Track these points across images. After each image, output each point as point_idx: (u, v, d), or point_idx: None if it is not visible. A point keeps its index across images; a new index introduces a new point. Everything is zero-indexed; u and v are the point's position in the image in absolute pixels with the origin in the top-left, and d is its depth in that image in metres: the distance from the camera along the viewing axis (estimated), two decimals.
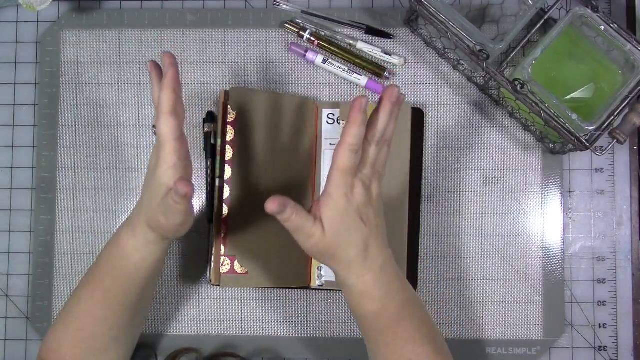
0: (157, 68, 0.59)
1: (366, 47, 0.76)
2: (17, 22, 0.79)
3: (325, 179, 0.73)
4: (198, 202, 0.75)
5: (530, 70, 0.65)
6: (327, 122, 0.75)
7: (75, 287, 0.64)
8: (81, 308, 0.62)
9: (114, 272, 0.61)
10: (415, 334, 0.59)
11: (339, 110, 0.74)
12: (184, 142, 0.58)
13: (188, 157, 0.59)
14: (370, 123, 0.57)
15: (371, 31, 0.76)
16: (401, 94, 0.59)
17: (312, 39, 0.76)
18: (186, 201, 0.55)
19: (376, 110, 0.58)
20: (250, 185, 0.71)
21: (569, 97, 0.69)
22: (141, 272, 0.61)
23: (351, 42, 0.76)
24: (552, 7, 0.71)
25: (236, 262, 0.70)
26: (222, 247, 0.70)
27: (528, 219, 0.75)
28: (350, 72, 0.76)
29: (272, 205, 0.54)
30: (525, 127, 0.75)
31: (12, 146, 0.78)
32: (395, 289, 0.59)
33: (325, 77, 0.77)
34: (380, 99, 0.58)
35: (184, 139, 0.58)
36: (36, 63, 0.78)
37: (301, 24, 0.77)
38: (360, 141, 0.56)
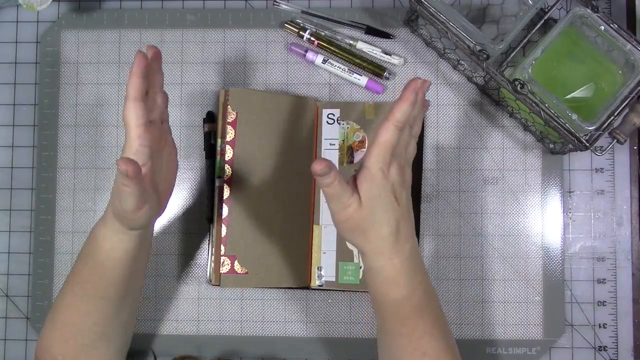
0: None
1: (366, 47, 0.76)
2: (17, 22, 0.79)
3: None
4: (198, 201, 0.75)
5: (530, 70, 0.65)
6: (327, 122, 0.75)
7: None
8: (64, 302, 0.63)
9: (89, 263, 0.61)
10: (433, 328, 0.59)
11: (339, 110, 0.74)
12: (152, 130, 0.58)
13: (158, 144, 0.60)
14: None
15: (371, 31, 0.76)
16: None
17: (312, 39, 0.76)
18: (131, 182, 0.52)
19: (405, 94, 0.57)
20: (250, 185, 0.71)
21: (569, 96, 0.69)
22: (113, 262, 0.60)
23: (351, 42, 0.76)
24: (552, 7, 0.71)
25: (236, 262, 0.70)
26: (222, 247, 0.70)
27: (528, 219, 0.75)
28: (350, 72, 0.76)
29: (318, 165, 0.53)
30: (525, 127, 0.75)
31: (12, 146, 0.78)
32: (419, 279, 0.60)
33: (325, 77, 0.77)
34: (410, 86, 0.57)
35: (154, 127, 0.59)
36: (36, 63, 0.78)
37: (301, 24, 0.77)
38: (406, 120, 0.56)
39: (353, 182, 0.57)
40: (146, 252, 0.65)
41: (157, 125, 0.60)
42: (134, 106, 0.56)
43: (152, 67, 0.59)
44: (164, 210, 0.62)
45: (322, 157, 0.54)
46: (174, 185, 0.64)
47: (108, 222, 0.59)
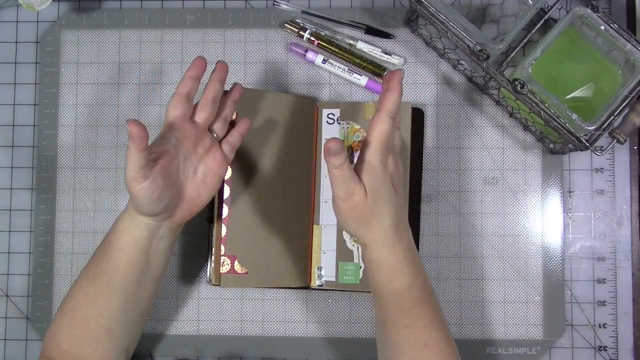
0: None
1: (366, 47, 0.76)
2: (17, 22, 0.79)
3: (325, 179, 0.74)
4: None
5: (530, 70, 0.65)
6: (327, 122, 0.75)
7: None
8: (77, 286, 0.63)
9: (104, 246, 0.62)
10: (433, 318, 0.60)
11: (338, 110, 0.74)
12: (188, 127, 0.61)
13: (190, 144, 0.61)
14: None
15: (371, 31, 0.76)
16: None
17: (312, 39, 0.76)
18: (133, 144, 0.53)
19: (393, 85, 0.58)
20: (251, 185, 0.71)
21: (569, 96, 0.69)
22: (120, 245, 0.60)
23: (351, 42, 0.76)
24: (552, 7, 0.71)
25: (236, 262, 0.70)
26: (222, 247, 0.70)
27: (528, 219, 0.75)
28: (350, 72, 0.76)
29: (333, 143, 0.54)
30: (525, 127, 0.75)
31: (12, 146, 0.78)
32: (418, 268, 0.60)
33: (325, 77, 0.77)
34: (394, 76, 0.59)
35: (192, 126, 0.61)
36: (36, 63, 0.78)
37: (301, 24, 0.77)
38: (396, 111, 0.57)
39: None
40: (160, 260, 0.63)
41: (196, 127, 0.62)
42: (176, 100, 0.60)
43: (217, 79, 0.64)
44: (181, 220, 0.62)
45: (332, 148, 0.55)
46: (204, 201, 0.63)
47: (128, 207, 0.60)
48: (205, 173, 0.62)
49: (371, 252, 0.59)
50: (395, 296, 0.59)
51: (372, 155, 0.56)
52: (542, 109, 0.64)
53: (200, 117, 0.62)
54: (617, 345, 0.74)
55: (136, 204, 0.58)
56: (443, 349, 0.60)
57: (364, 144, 0.57)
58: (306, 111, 0.74)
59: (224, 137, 0.65)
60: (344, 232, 0.73)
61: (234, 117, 0.71)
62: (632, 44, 0.65)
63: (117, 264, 0.61)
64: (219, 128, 0.64)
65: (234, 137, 0.66)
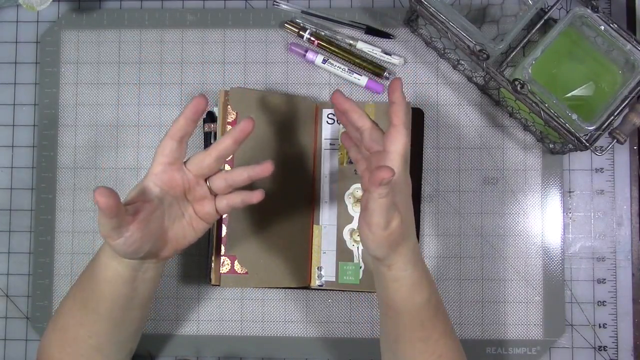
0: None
1: (366, 47, 0.76)
2: (17, 22, 0.79)
3: (325, 179, 0.74)
4: None
5: (530, 70, 0.65)
6: (327, 122, 0.75)
7: None
8: (66, 306, 0.62)
9: (89, 272, 0.60)
10: (447, 327, 0.60)
11: None
12: (174, 174, 0.56)
13: (176, 191, 0.57)
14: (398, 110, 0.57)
15: (371, 31, 0.76)
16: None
17: (312, 39, 0.76)
18: (102, 212, 0.49)
19: (398, 97, 0.57)
20: (251, 185, 0.71)
21: (568, 96, 0.69)
22: (104, 278, 0.58)
23: (351, 42, 0.76)
24: (552, 7, 0.71)
25: (236, 262, 0.70)
26: (222, 247, 0.70)
27: (528, 219, 0.75)
28: (350, 72, 0.76)
29: (387, 173, 0.49)
30: (525, 127, 0.75)
31: (12, 146, 0.78)
32: (431, 277, 0.60)
33: (325, 77, 0.77)
34: (396, 87, 0.58)
35: (180, 173, 0.57)
36: (36, 63, 0.78)
37: (301, 24, 0.77)
38: (409, 120, 0.57)
39: None
40: (147, 287, 0.61)
41: (185, 175, 0.57)
42: (166, 143, 0.56)
43: (235, 139, 0.57)
44: (167, 257, 0.59)
45: (378, 165, 0.51)
46: (190, 241, 0.59)
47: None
48: (191, 217, 0.59)
49: (396, 272, 0.57)
50: (414, 310, 0.58)
51: (400, 175, 0.55)
52: (542, 109, 0.64)
53: (195, 168, 0.57)
54: (617, 345, 0.74)
55: (116, 252, 0.54)
56: (456, 356, 0.60)
57: (389, 159, 0.55)
58: (306, 111, 0.74)
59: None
60: (344, 232, 0.73)
61: (233, 116, 0.71)
62: (632, 44, 0.65)
63: (103, 294, 0.59)
64: (216, 185, 0.58)
65: (235, 200, 0.59)
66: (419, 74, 0.77)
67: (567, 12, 0.67)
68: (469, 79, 0.76)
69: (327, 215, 0.74)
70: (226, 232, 0.70)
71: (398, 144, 0.55)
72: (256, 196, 0.59)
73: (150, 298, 0.63)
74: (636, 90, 0.65)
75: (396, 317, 0.59)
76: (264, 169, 0.58)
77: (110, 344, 0.63)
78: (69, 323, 0.61)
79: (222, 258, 0.70)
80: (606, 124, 0.64)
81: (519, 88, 0.64)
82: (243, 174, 0.58)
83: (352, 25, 0.77)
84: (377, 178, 0.49)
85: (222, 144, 0.57)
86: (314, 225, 0.74)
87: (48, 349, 0.63)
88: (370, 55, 0.76)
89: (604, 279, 0.74)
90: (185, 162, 0.58)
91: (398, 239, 0.55)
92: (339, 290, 0.74)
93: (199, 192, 0.58)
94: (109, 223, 0.51)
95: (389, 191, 0.51)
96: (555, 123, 0.64)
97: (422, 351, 0.59)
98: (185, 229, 0.59)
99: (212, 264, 0.71)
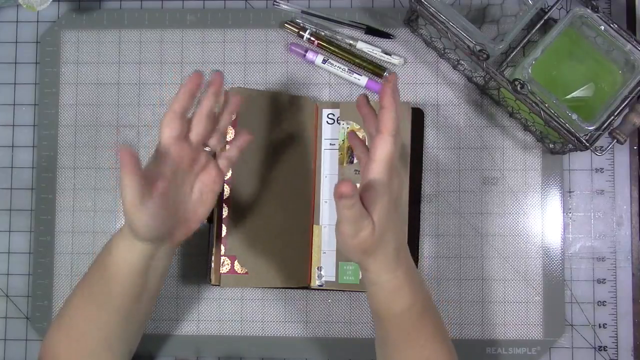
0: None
1: (366, 47, 0.76)
2: (17, 22, 0.79)
3: (325, 179, 0.74)
4: None
5: (530, 70, 0.65)
6: (327, 122, 0.75)
7: None
8: (72, 304, 0.62)
9: (99, 267, 0.61)
10: (435, 331, 0.60)
11: (338, 110, 0.74)
12: (183, 148, 0.57)
13: (186, 165, 0.58)
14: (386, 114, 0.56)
15: (371, 31, 0.76)
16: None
17: (312, 39, 0.76)
18: (125, 172, 0.51)
19: (388, 102, 0.55)
20: (251, 185, 0.71)
21: (569, 96, 0.69)
22: (118, 270, 0.59)
23: (351, 42, 0.76)
24: (552, 7, 0.71)
25: (236, 262, 0.70)
26: (222, 247, 0.70)
27: (528, 219, 0.75)
28: (350, 72, 0.76)
29: (346, 188, 0.50)
30: (525, 127, 0.75)
31: (12, 146, 0.78)
32: (417, 283, 0.59)
33: (325, 77, 0.77)
34: (386, 90, 0.56)
35: (187, 146, 0.58)
36: (36, 63, 0.78)
37: (301, 24, 0.77)
38: (398, 127, 0.55)
39: (361, 204, 0.54)
40: (157, 280, 0.62)
41: (191, 146, 0.58)
42: (170, 119, 0.56)
43: (212, 92, 0.59)
44: (179, 240, 0.60)
45: (342, 179, 0.52)
46: (202, 218, 0.61)
47: (123, 230, 0.58)
48: (201, 190, 0.60)
49: (372, 276, 0.57)
50: (396, 317, 0.58)
51: (379, 183, 0.54)
52: (542, 109, 0.64)
53: (196, 134, 0.59)
54: (617, 345, 0.74)
55: (135, 230, 0.55)
56: None
57: (367, 167, 0.55)
58: (306, 111, 0.74)
59: (221, 150, 0.63)
60: None
61: (234, 117, 0.71)
62: (632, 44, 0.65)
63: (115, 287, 0.59)
64: (214, 143, 0.61)
65: (232, 152, 0.63)
66: (419, 74, 0.77)
67: (567, 12, 0.67)
68: (469, 79, 0.76)
69: (327, 215, 0.74)
70: (226, 232, 0.70)
71: (382, 152, 0.54)
72: (245, 136, 0.64)
73: (158, 291, 0.64)
74: (636, 90, 0.65)
75: (380, 322, 0.60)
76: (237, 99, 0.62)
77: (119, 339, 0.63)
78: (76, 320, 0.62)
79: (222, 258, 0.70)
80: (606, 124, 0.64)
81: (519, 88, 0.64)
82: (224, 116, 0.61)
83: (352, 25, 0.77)
84: (336, 192, 0.50)
85: (206, 102, 0.59)
86: (314, 225, 0.74)
87: (53, 349, 0.62)
88: (370, 55, 0.76)
89: (604, 279, 0.74)
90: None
91: (370, 247, 0.55)
92: (339, 290, 0.74)
93: (203, 157, 0.60)
94: (135, 186, 0.52)
95: (354, 202, 0.52)
96: (555, 123, 0.64)
97: (409, 355, 0.59)
98: (195, 205, 0.60)
99: (212, 264, 0.71)
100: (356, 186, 0.51)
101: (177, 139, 0.57)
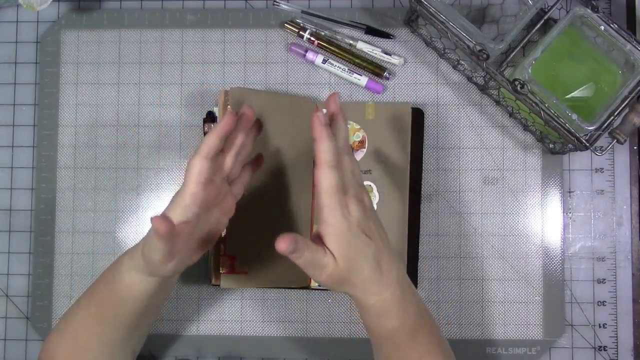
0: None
1: (366, 47, 0.76)
2: (17, 22, 0.79)
3: None
4: None
5: (530, 70, 0.65)
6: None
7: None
8: (77, 316, 0.62)
9: (108, 287, 0.60)
10: (430, 346, 0.59)
11: None
12: (209, 190, 0.57)
13: (211, 203, 0.58)
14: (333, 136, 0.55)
15: (371, 31, 0.76)
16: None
17: (312, 39, 0.76)
18: (161, 239, 0.51)
19: (317, 134, 0.54)
20: (251, 185, 0.71)
21: (569, 96, 0.69)
22: (129, 295, 0.59)
23: (351, 42, 0.76)
24: (552, 7, 0.71)
25: (236, 262, 0.70)
26: (222, 247, 0.70)
27: (528, 219, 0.75)
28: (350, 72, 0.76)
29: (283, 244, 0.50)
30: (525, 127, 0.75)
31: (12, 146, 0.78)
32: (409, 301, 0.58)
33: (325, 77, 0.77)
34: (330, 109, 0.57)
35: (213, 186, 0.57)
36: (36, 63, 0.78)
37: (301, 24, 0.77)
38: (336, 155, 0.53)
39: (319, 240, 0.54)
40: (164, 295, 0.63)
41: (216, 185, 0.58)
42: (200, 163, 0.56)
43: (240, 129, 0.59)
44: (194, 262, 0.60)
45: (280, 235, 0.51)
46: (214, 242, 0.61)
47: (135, 258, 0.57)
48: (217, 218, 0.61)
49: (358, 301, 0.57)
50: (387, 336, 0.58)
51: (329, 214, 0.53)
52: (542, 109, 0.64)
53: (223, 173, 0.59)
54: (617, 345, 0.74)
55: (158, 274, 0.57)
56: None
57: (318, 202, 0.54)
58: (306, 111, 0.74)
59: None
60: None
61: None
62: (632, 44, 0.65)
63: (125, 307, 0.60)
64: (235, 172, 0.62)
65: (245, 177, 0.64)
66: (419, 74, 0.77)
67: (567, 12, 0.67)
68: (469, 79, 0.76)
69: None
70: (226, 232, 0.70)
71: (324, 184, 0.53)
72: (258, 161, 0.65)
73: (164, 301, 0.65)
74: (636, 90, 0.65)
75: (372, 338, 0.60)
76: (248, 113, 0.60)
77: (122, 350, 0.64)
78: (81, 332, 0.62)
79: (222, 258, 0.70)
80: (606, 124, 0.64)
81: (519, 88, 0.64)
82: (237, 136, 0.60)
83: (352, 25, 0.77)
84: (276, 247, 0.50)
85: (244, 151, 0.60)
86: (314, 226, 0.74)
87: (54, 353, 0.62)
88: (370, 55, 0.76)
89: (604, 279, 0.74)
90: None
91: (341, 278, 0.54)
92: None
93: (224, 190, 0.60)
94: (166, 248, 0.52)
95: (298, 254, 0.52)
96: (555, 123, 0.64)
97: None
98: (212, 230, 0.60)
99: (212, 264, 0.71)
100: (295, 236, 0.51)
101: (205, 185, 0.56)
